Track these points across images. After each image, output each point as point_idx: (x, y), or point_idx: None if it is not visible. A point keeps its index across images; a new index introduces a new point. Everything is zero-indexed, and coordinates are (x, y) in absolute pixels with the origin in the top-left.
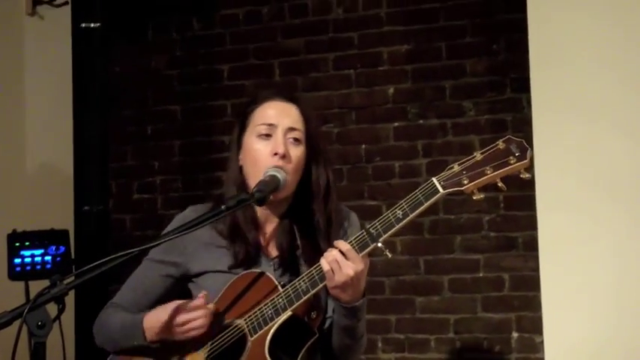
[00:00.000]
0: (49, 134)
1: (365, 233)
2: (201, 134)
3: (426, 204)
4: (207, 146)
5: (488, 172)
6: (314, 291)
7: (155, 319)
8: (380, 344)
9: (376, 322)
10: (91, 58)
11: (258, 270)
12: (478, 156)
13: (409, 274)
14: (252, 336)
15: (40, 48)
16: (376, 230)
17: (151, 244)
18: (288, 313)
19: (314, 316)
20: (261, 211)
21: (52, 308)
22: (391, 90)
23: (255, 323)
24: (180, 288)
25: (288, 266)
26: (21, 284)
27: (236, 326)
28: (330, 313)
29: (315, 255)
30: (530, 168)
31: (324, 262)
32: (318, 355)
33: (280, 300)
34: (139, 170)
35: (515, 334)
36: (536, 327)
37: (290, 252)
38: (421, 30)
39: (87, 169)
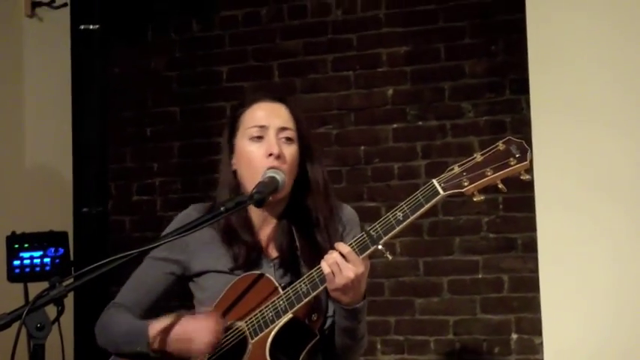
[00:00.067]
0: (48, 136)
1: (365, 235)
2: (200, 136)
3: (427, 206)
4: (207, 148)
5: (489, 173)
6: (314, 293)
7: (161, 329)
8: (379, 346)
9: (375, 323)
10: (90, 60)
11: (258, 272)
12: (478, 157)
13: (408, 275)
14: (253, 338)
15: (39, 50)
16: (376, 232)
17: (150, 246)
18: (289, 315)
19: (315, 318)
20: (258, 213)
21: (51, 310)
22: (390, 91)
23: (256, 325)
24: (180, 287)
25: (289, 267)
26: (20, 286)
27: (237, 329)
28: (330, 313)
29: (315, 254)
30: (530, 169)
31: (325, 265)
32: (319, 355)
33: (281, 302)
34: (138, 172)
35: (514, 336)
36: (536, 328)
37: (290, 252)
38: (420, 31)
39: (86, 170)
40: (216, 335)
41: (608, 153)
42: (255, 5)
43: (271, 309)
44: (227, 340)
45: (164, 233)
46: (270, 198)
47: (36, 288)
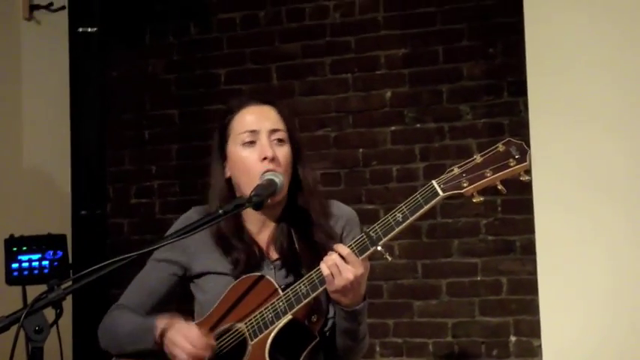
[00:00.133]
0: (46, 139)
1: (365, 236)
2: (198, 138)
3: (426, 207)
4: (205, 150)
5: (488, 174)
6: (314, 295)
7: (165, 328)
8: (378, 348)
9: (374, 326)
10: (88, 63)
11: (258, 273)
12: (478, 158)
13: (407, 278)
14: (252, 340)
15: (37, 53)
16: (376, 233)
17: (149, 248)
18: (289, 316)
19: (314, 319)
20: (257, 217)
21: (49, 313)
22: (388, 94)
23: (256, 327)
24: (182, 289)
25: (290, 268)
26: (18, 289)
27: (237, 330)
28: (331, 314)
29: (314, 255)
30: (529, 170)
31: (324, 267)
32: (321, 356)
33: (280, 304)
34: (137, 174)
35: (513, 338)
36: (534, 331)
37: (290, 254)
38: (418, 34)
39: (84, 173)
40: (194, 352)
41: (607, 155)
42: (253, 8)
43: (271, 310)
44: (227, 341)
45: (166, 235)
46: (269, 201)
47: (34, 291)
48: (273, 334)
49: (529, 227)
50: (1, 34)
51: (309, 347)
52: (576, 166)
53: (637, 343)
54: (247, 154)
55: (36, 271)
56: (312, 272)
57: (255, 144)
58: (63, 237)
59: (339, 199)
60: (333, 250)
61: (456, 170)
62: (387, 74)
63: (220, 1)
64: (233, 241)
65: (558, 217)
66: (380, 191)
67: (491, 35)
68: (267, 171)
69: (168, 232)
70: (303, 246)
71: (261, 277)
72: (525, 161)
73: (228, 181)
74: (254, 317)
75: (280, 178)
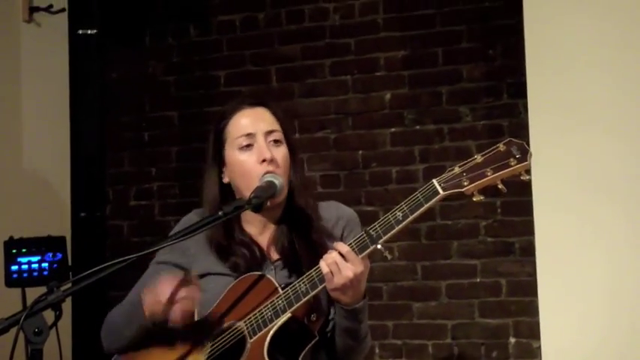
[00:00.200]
0: (46, 141)
1: (365, 235)
2: (198, 140)
3: (426, 205)
4: (205, 153)
5: (489, 173)
6: (313, 293)
7: (150, 294)
8: (377, 350)
9: (374, 327)
10: (87, 65)
11: (258, 273)
12: (479, 158)
13: (406, 279)
14: (251, 338)
15: (37, 55)
16: (376, 232)
17: (148, 250)
18: (288, 314)
19: (314, 318)
20: (259, 219)
21: (48, 315)
22: (388, 96)
23: (255, 325)
24: None
25: (291, 268)
26: (18, 291)
27: (236, 328)
28: (332, 315)
29: (314, 254)
30: (530, 170)
31: (323, 265)
32: (323, 356)
33: (280, 302)
34: (136, 176)
35: (512, 340)
36: (534, 332)
37: (291, 253)
38: (417, 36)
39: (84, 175)
40: (196, 289)
41: (606, 157)
42: (252, 10)
43: (270, 308)
44: (226, 339)
45: (169, 237)
46: (268, 203)
47: (34, 293)
48: (272, 332)
49: (528, 229)
50: (1, 36)
51: (309, 346)
52: (576, 168)
53: (636, 344)
54: (245, 157)
55: (35, 273)
56: (311, 270)
57: (253, 147)
58: (62, 239)
59: (338, 201)
60: (333, 248)
61: (457, 169)
62: (387, 76)
63: (220, 3)
64: (231, 246)
65: (558, 219)
66: (379, 193)
67: (490, 37)
68: (267, 173)
69: (170, 235)
70: (304, 246)
71: (262, 276)
72: (526, 161)
73: (226, 186)
74: (253, 315)
75: (280, 180)
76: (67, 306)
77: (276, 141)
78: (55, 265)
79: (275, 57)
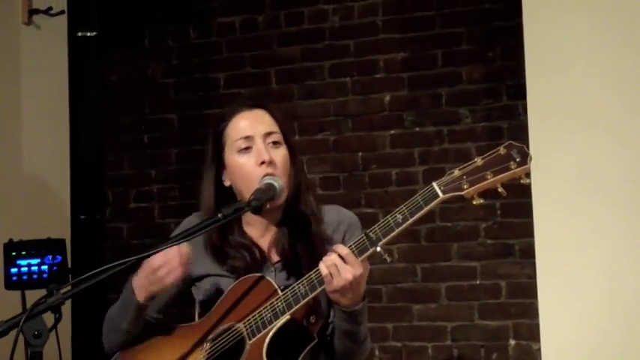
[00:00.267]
0: (45, 143)
1: (364, 237)
2: (197, 142)
3: (426, 208)
4: (204, 154)
5: (489, 177)
6: (313, 295)
7: (138, 275)
8: (377, 352)
9: (373, 330)
10: (87, 67)
11: (258, 274)
12: (479, 161)
13: (406, 281)
14: (250, 339)
15: (36, 57)
16: (375, 234)
17: (148, 253)
18: (287, 316)
19: (313, 320)
20: (259, 221)
21: (48, 317)
22: (387, 97)
23: (254, 326)
24: (184, 293)
25: (291, 270)
26: (17, 294)
27: (235, 329)
28: (332, 317)
29: (314, 255)
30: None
31: (323, 267)
32: (323, 358)
33: (279, 303)
34: (136, 179)
35: (512, 342)
36: (534, 334)
37: (291, 255)
38: (417, 37)
39: (83, 177)
40: (183, 256)
41: (605, 158)
42: (252, 12)
43: (269, 310)
44: (225, 340)
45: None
46: (268, 205)
47: (33, 295)
48: (271, 334)
49: (528, 231)
50: (1, 38)
51: (307, 348)
52: (575, 170)
53: (635, 346)
54: (244, 160)
55: (35, 276)
56: (311, 272)
57: (252, 149)
58: (62, 241)
59: (338, 203)
60: (332, 250)
61: (457, 172)
62: (386, 78)
63: (219, 5)
64: (224, 248)
65: (557, 221)
66: (379, 195)
67: (490, 39)
68: (267, 175)
69: (170, 237)
70: (304, 248)
71: (261, 277)
72: (526, 164)
73: (224, 188)
74: (252, 317)
75: (279, 183)
76: (66, 308)
77: (275, 143)
78: (55, 268)
79: (274, 59)
